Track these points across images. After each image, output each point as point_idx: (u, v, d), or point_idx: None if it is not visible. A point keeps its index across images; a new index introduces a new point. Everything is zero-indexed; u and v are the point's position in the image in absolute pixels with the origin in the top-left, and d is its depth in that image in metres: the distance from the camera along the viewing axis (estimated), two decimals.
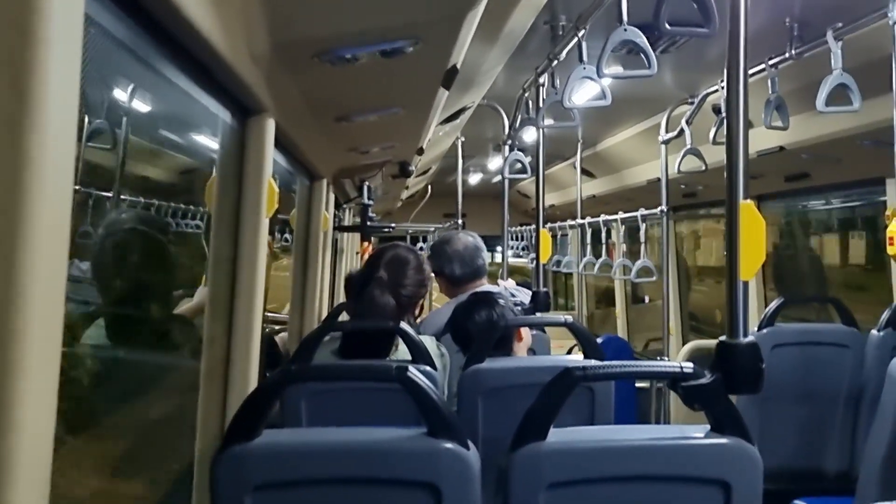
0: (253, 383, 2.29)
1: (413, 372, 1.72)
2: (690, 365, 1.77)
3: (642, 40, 2.65)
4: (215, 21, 1.50)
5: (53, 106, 0.87)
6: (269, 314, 5.32)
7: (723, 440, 1.73)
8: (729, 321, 1.89)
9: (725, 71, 1.98)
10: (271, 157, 2.36)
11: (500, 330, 2.92)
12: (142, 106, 2.13)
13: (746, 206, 1.86)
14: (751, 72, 3.23)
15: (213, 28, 1.51)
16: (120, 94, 1.95)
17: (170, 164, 2.82)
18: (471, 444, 1.73)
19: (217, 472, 1.65)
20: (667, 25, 2.32)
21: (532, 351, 3.50)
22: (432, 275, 3.27)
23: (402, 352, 2.86)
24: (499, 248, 9.26)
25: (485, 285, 4.11)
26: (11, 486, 0.86)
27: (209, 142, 2.38)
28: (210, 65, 1.73)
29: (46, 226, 0.88)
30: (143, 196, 2.55)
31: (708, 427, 1.77)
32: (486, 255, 4.25)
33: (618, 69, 3.69)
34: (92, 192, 2.09)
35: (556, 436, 1.73)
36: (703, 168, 4.94)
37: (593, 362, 2.49)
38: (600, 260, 7.29)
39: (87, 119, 1.74)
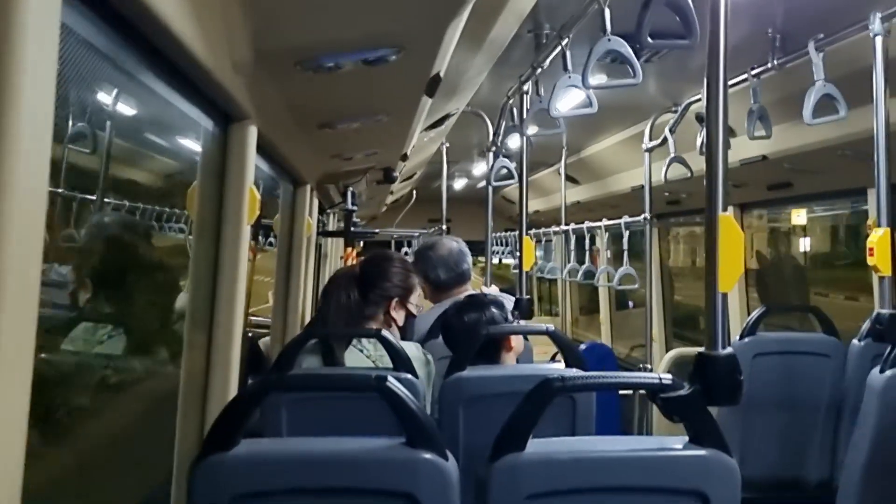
0: (233, 391, 2.29)
1: (392, 382, 1.72)
2: (669, 376, 1.77)
3: (626, 49, 2.66)
4: (197, 30, 1.50)
5: (27, 115, 0.86)
6: (253, 317, 5.31)
7: (701, 452, 1.74)
8: (708, 333, 1.89)
9: (705, 81, 1.98)
10: (253, 164, 2.36)
11: (482, 338, 2.91)
12: (125, 113, 2.12)
13: (725, 219, 1.86)
14: (734, 81, 3.26)
15: (196, 37, 1.50)
16: (103, 103, 1.94)
17: (152, 170, 2.81)
18: (450, 454, 1.72)
19: (194, 481, 1.64)
20: (649, 39, 2.33)
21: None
22: (415, 279, 3.27)
23: (352, 358, 2.89)
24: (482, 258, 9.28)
25: (469, 290, 4.11)
26: None
27: (192, 148, 2.37)
28: (192, 73, 1.73)
29: (19, 231, 0.87)
30: (126, 200, 2.54)
31: (686, 438, 1.77)
32: (470, 261, 4.26)
33: (602, 78, 3.70)
34: (76, 195, 2.08)
35: (535, 447, 1.73)
36: (689, 175, 4.95)
37: (573, 372, 2.49)
38: (583, 267, 7.29)
39: (70, 125, 1.73)
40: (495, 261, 10.88)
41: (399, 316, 3.12)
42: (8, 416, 0.90)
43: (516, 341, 3.13)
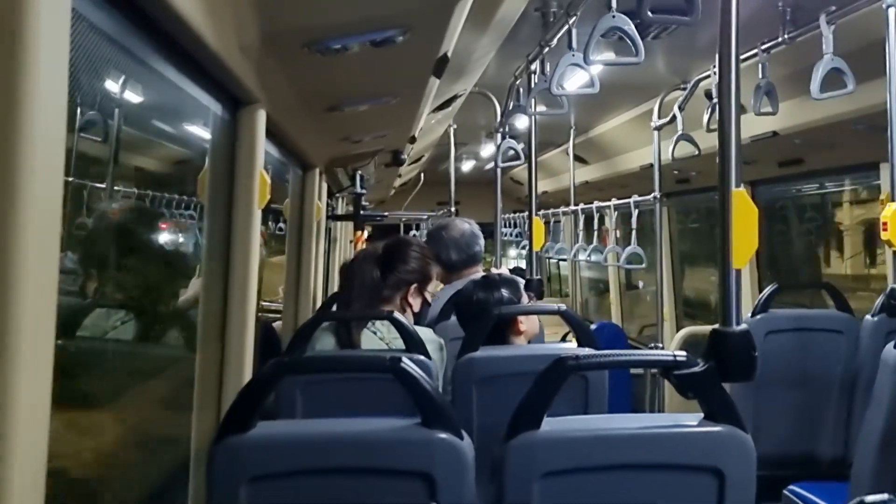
0: (248, 374, 2.29)
1: (406, 362, 1.72)
2: (683, 353, 1.77)
3: (630, 27, 2.64)
4: (205, 13, 1.50)
5: (42, 102, 0.87)
6: (265, 303, 5.33)
7: (716, 428, 1.74)
8: (722, 309, 1.89)
9: (717, 57, 1.97)
10: (262, 147, 2.36)
11: (493, 318, 2.91)
12: (134, 99, 2.12)
13: (739, 194, 1.86)
14: (744, 57, 3.24)
15: (203, 20, 1.50)
16: (112, 88, 1.94)
17: (162, 156, 2.82)
18: (464, 433, 1.73)
19: (213, 463, 1.65)
20: (649, 13, 2.31)
21: None
22: (433, 268, 3.27)
23: (367, 340, 2.90)
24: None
25: (480, 272, 4.10)
26: (8, 474, 0.87)
27: (202, 133, 2.37)
28: (201, 57, 1.73)
29: (38, 221, 0.88)
30: (136, 187, 2.54)
31: (701, 415, 1.77)
32: (483, 243, 4.26)
33: (610, 55, 3.68)
34: (86, 183, 2.09)
35: (550, 425, 1.73)
36: (697, 153, 4.93)
37: (586, 351, 2.49)
38: (591, 246, 7.27)
39: (79, 112, 1.74)
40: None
41: (416, 302, 3.14)
42: (32, 404, 0.90)
43: (528, 325, 3.11)
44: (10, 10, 0.84)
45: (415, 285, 3.13)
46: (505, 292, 3.12)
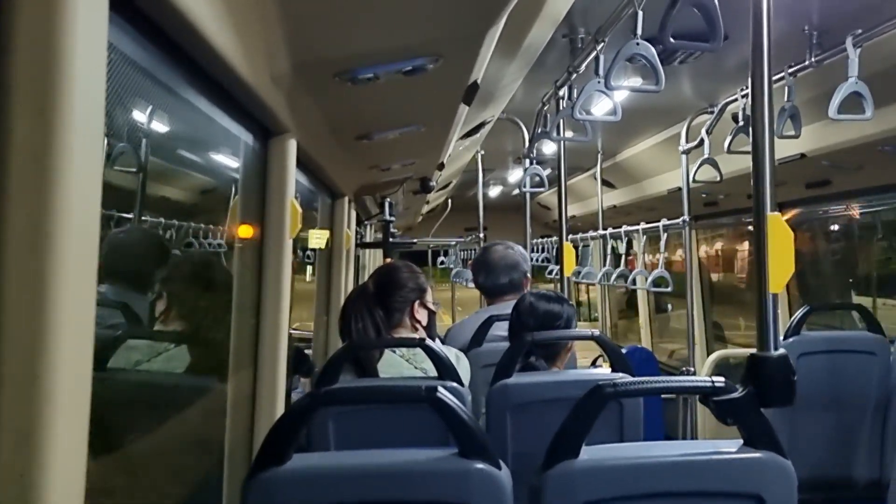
0: (280, 406, 2.29)
1: (442, 392, 1.71)
2: (722, 379, 1.76)
3: (652, 54, 2.64)
4: (237, 45, 1.51)
5: (78, 134, 0.87)
6: (293, 331, 5.33)
7: (756, 454, 1.72)
8: (759, 334, 1.88)
9: (749, 81, 1.97)
10: (293, 177, 2.37)
11: (527, 344, 2.89)
12: (167, 129, 2.13)
13: (774, 218, 1.85)
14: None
15: (235, 52, 1.51)
16: (144, 119, 1.95)
17: (192, 186, 2.83)
18: (502, 463, 1.72)
19: (247, 497, 1.64)
20: (671, 39, 2.31)
21: None
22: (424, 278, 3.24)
23: (387, 361, 2.90)
24: None
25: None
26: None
27: (232, 163, 2.38)
28: (232, 88, 1.73)
29: (75, 253, 0.88)
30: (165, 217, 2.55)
31: (740, 441, 1.76)
32: (523, 271, 4.12)
33: (637, 81, 3.68)
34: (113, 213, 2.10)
35: (589, 453, 1.72)
36: (719, 179, 4.91)
37: (623, 377, 2.47)
38: (618, 270, 7.24)
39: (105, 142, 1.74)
40: None
41: (422, 316, 3.14)
42: (70, 435, 0.90)
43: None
44: (49, 41, 0.85)
45: (417, 301, 3.12)
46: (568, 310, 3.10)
